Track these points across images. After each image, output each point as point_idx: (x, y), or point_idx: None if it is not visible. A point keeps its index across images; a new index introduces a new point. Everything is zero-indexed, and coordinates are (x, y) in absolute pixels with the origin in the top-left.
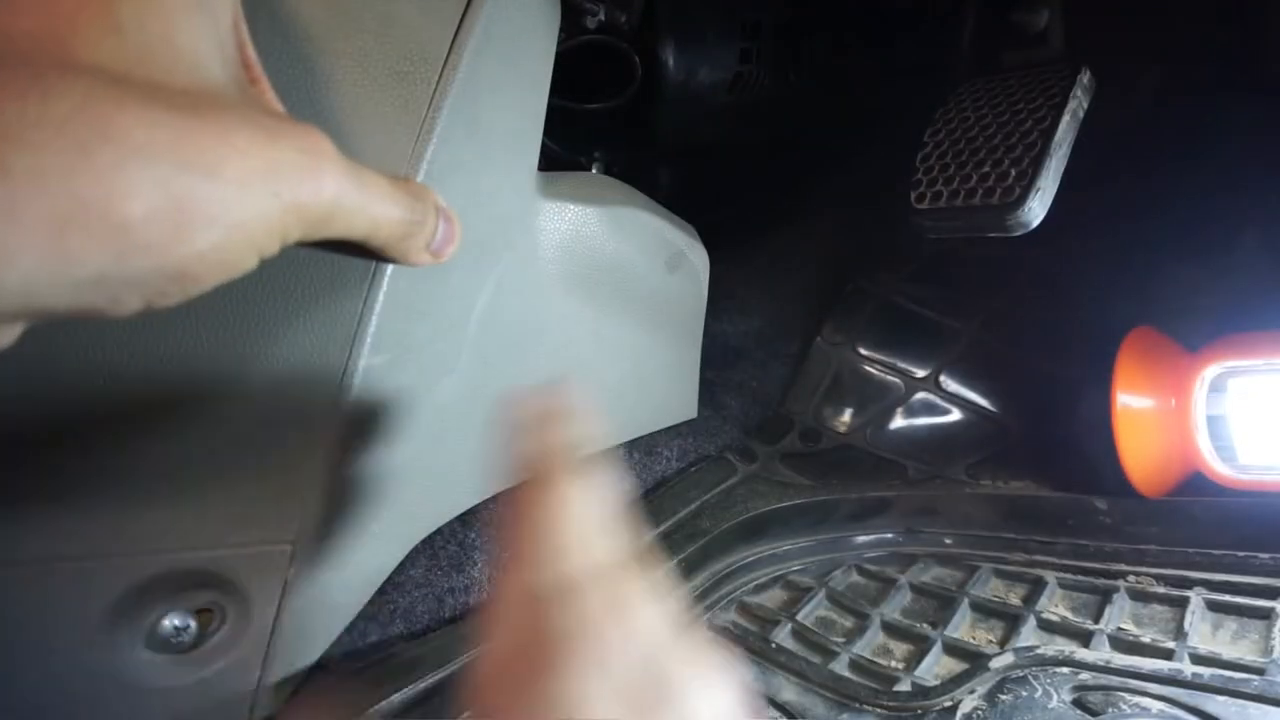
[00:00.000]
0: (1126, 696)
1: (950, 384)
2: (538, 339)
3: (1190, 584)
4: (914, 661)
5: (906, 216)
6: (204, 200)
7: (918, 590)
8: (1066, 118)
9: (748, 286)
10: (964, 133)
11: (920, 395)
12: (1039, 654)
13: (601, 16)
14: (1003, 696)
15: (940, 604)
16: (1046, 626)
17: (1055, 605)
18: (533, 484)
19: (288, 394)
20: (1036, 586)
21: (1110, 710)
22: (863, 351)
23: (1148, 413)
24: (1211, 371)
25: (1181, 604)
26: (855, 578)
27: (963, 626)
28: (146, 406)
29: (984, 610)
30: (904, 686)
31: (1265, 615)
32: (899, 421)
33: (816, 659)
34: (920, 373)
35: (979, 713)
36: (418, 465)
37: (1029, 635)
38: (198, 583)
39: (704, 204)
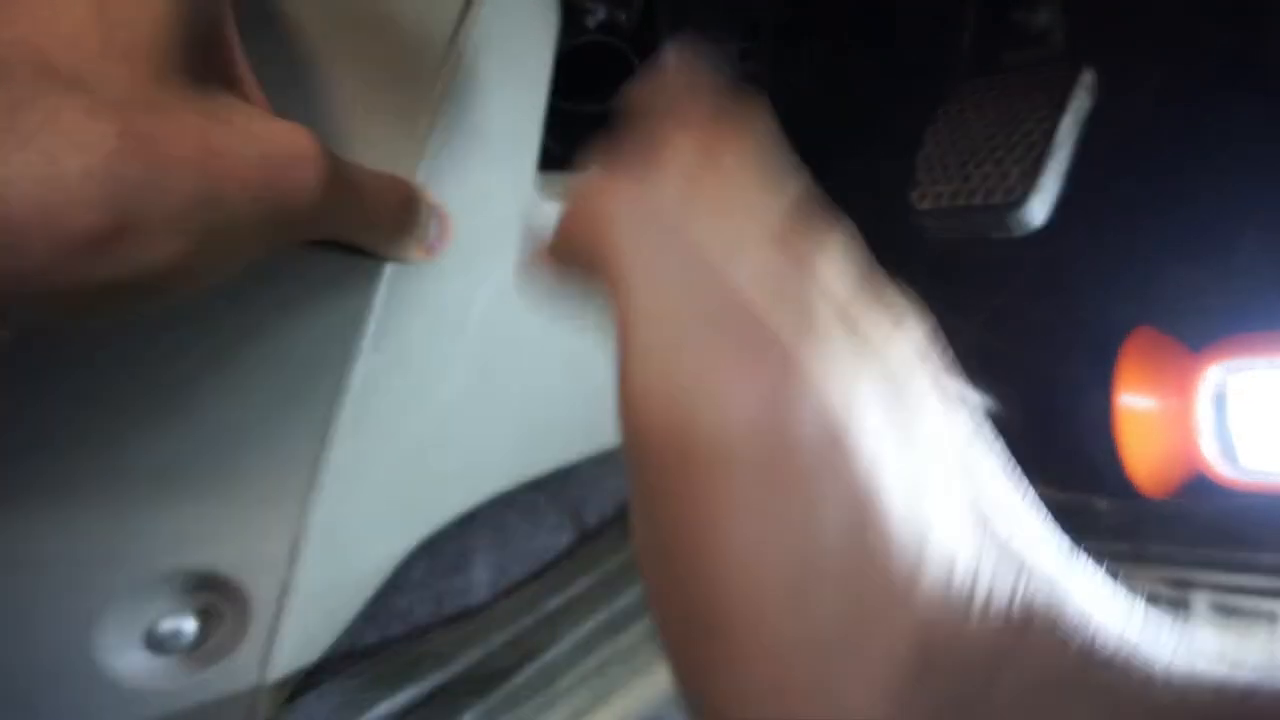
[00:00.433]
0: None
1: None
2: (537, 339)
3: (1193, 586)
4: None
5: (907, 216)
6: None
7: None
8: (1068, 118)
9: None
10: (964, 132)
11: None
12: None
13: (601, 16)
14: None
15: None
16: None
17: None
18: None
19: (287, 393)
20: None
21: None
22: None
23: (1150, 413)
24: (1214, 372)
25: (1184, 606)
26: None
27: None
28: (145, 406)
29: None
30: None
31: (1269, 617)
32: None
33: None
34: None
35: None
36: (418, 465)
37: None
38: (197, 583)
39: None
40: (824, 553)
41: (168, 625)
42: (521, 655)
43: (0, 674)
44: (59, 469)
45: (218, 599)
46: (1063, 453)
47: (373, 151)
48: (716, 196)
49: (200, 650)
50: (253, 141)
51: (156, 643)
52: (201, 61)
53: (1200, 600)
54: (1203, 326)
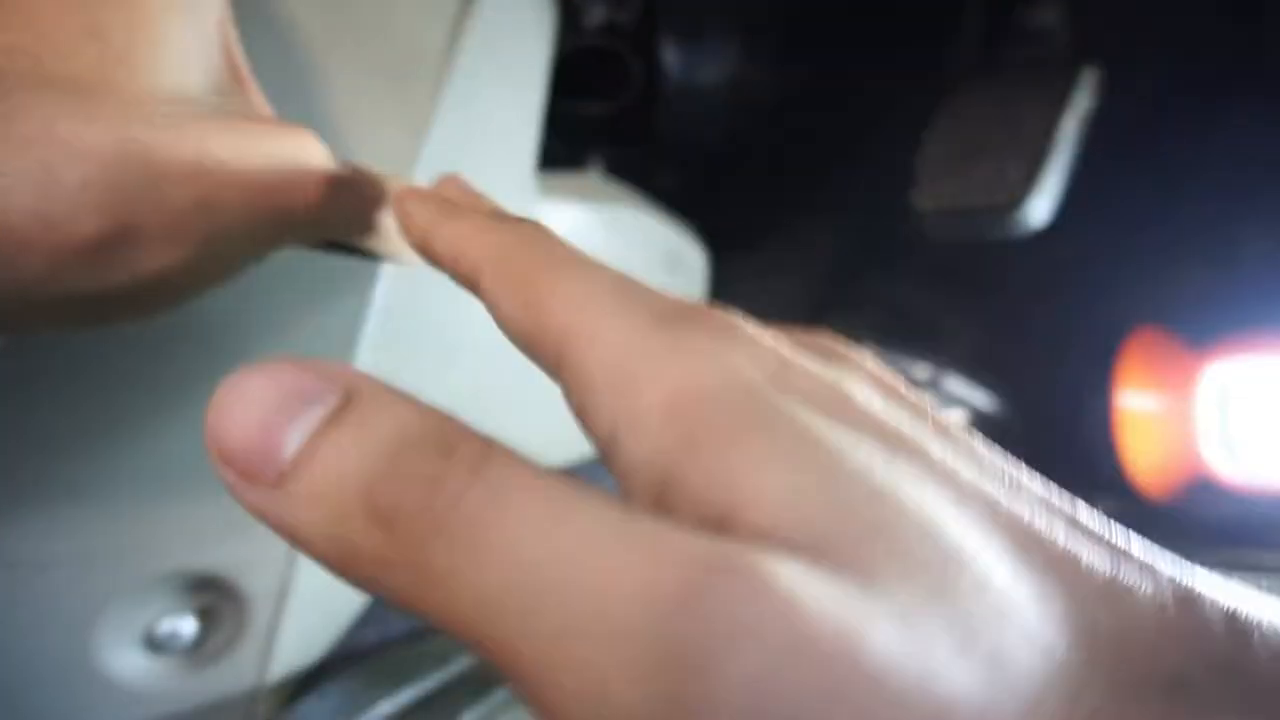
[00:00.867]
0: None
1: (950, 384)
2: None
3: None
4: None
5: (907, 216)
6: (183, 213)
7: None
8: (1069, 117)
9: (748, 286)
10: (965, 132)
11: None
12: None
13: (600, 16)
14: None
15: None
16: None
17: None
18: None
19: None
20: None
21: None
22: None
23: (1151, 413)
24: (1215, 371)
25: None
26: None
27: None
28: (145, 406)
29: None
30: None
31: None
32: None
33: None
34: (920, 373)
35: None
36: None
37: None
38: (196, 584)
39: (704, 204)
40: None
41: (166, 626)
42: None
43: (0, 675)
44: (58, 469)
45: (217, 599)
46: (1063, 453)
47: (370, 151)
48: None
49: (199, 651)
50: (254, 147)
51: (155, 643)
52: (201, 66)
53: None
54: (1204, 326)
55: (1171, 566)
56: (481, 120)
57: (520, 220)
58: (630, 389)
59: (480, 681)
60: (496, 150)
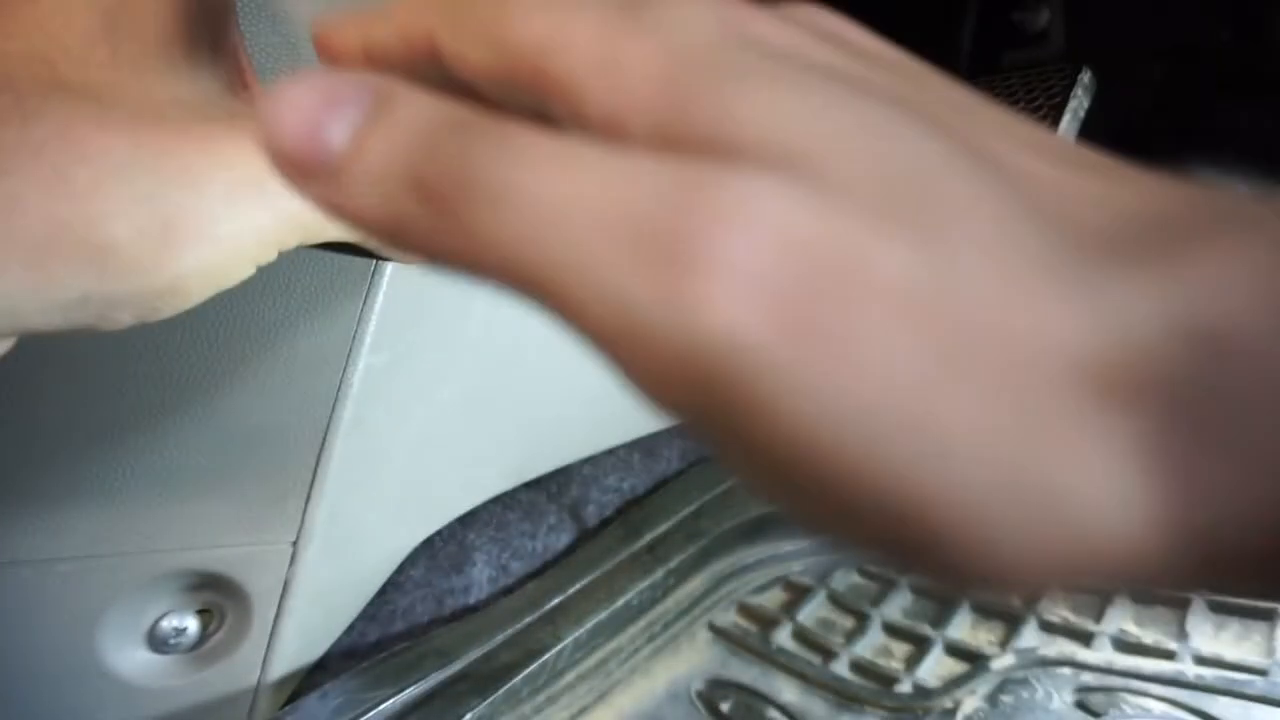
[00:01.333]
0: (1128, 698)
1: None
2: (538, 337)
3: None
4: (915, 662)
5: None
6: (190, 216)
7: (918, 591)
8: (1067, 117)
9: None
10: None
11: None
12: (1040, 655)
13: None
14: (1004, 697)
15: (941, 604)
16: (1048, 627)
17: (1057, 606)
18: None
19: (288, 394)
20: None
21: (1112, 711)
22: None
23: None
24: None
25: (1183, 605)
26: (856, 578)
27: (964, 627)
28: (146, 406)
29: (985, 611)
30: (905, 687)
31: (1268, 616)
32: None
33: (817, 659)
34: None
35: (980, 714)
36: (418, 465)
37: (1030, 636)
38: (198, 583)
39: None
40: None
41: (170, 624)
42: (522, 654)
43: (5, 672)
44: (62, 469)
45: (219, 598)
46: None
47: None
48: None
49: (202, 649)
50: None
51: (158, 641)
52: (210, 70)
53: (1199, 600)
54: None
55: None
56: None
57: None
58: (617, 72)
59: (481, 680)
60: None
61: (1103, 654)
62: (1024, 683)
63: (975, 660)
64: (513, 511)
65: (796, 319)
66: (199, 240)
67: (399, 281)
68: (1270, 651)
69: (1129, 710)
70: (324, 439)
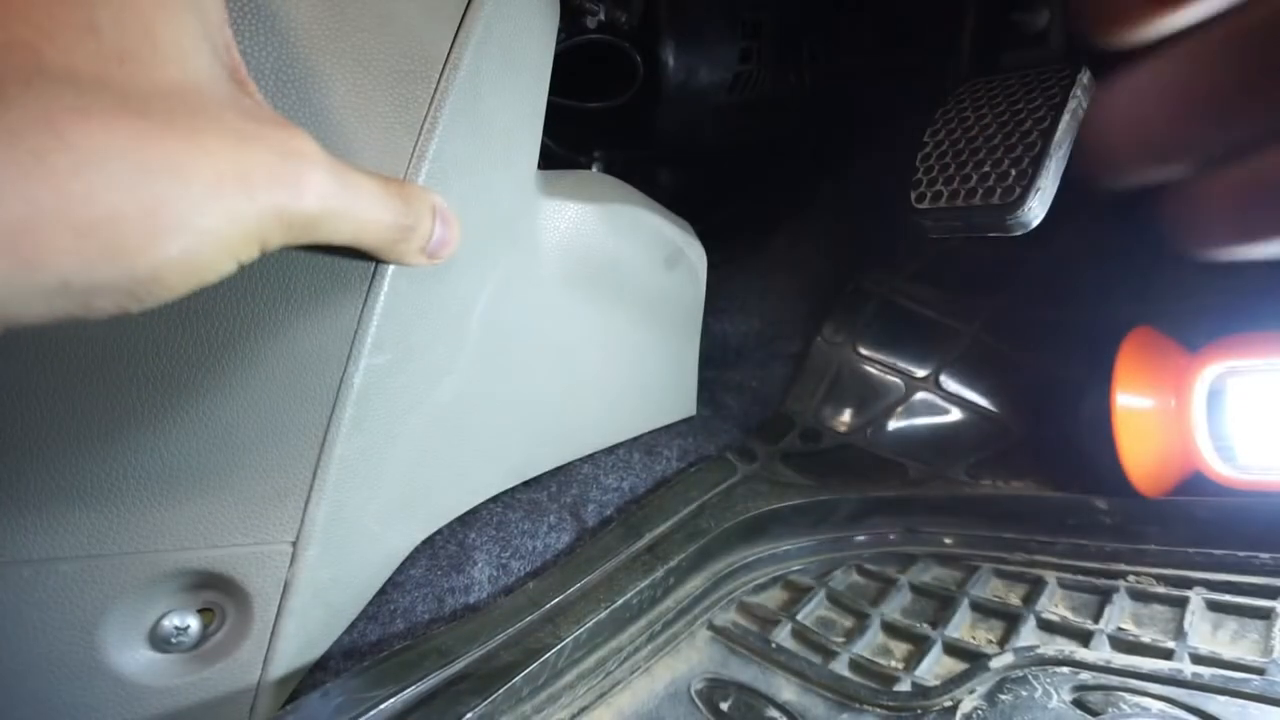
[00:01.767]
0: (1127, 696)
1: (950, 384)
2: (538, 338)
3: (1190, 584)
4: (914, 661)
5: (906, 216)
6: (172, 205)
7: (918, 590)
8: (1066, 117)
9: (748, 286)
10: (964, 132)
11: (920, 395)
12: (1039, 654)
13: (601, 16)
14: (1003, 696)
15: (940, 604)
16: (1046, 626)
17: (1055, 605)
18: None
19: (288, 394)
20: (1036, 586)
21: (1110, 710)
22: (863, 351)
23: (1148, 413)
24: (1211, 371)
25: (1181, 604)
26: (855, 578)
27: (963, 626)
28: (146, 406)
29: (984, 610)
30: (904, 686)
31: (1265, 615)
32: (899, 421)
33: (816, 659)
34: (920, 372)
35: (979, 713)
36: (418, 465)
37: (1029, 635)
38: (199, 582)
39: (704, 204)
40: None
41: (171, 623)
42: (522, 653)
43: (7, 671)
44: (62, 470)
45: (220, 597)
46: (1061, 452)
47: (373, 151)
48: None
49: (203, 648)
50: (247, 143)
51: (160, 640)
52: (199, 63)
53: (1197, 598)
54: (1200, 326)
55: None
56: (485, 119)
57: None
58: None
59: (482, 679)
60: (500, 149)
61: (1101, 653)
62: (1023, 681)
63: (974, 659)
64: (513, 511)
65: None
66: (181, 230)
67: (400, 281)
68: (1268, 650)
69: (1127, 709)
70: (324, 439)
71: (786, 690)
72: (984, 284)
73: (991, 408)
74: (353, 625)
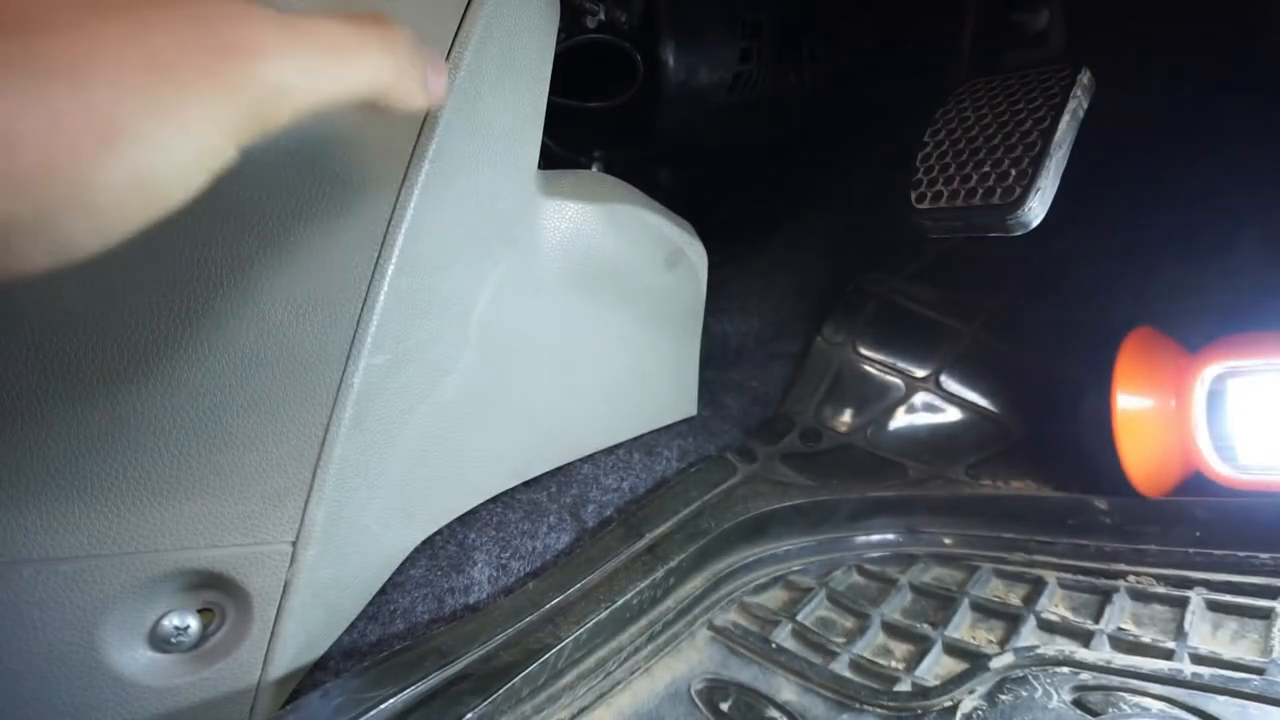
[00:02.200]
0: (1127, 696)
1: (950, 384)
2: (538, 338)
3: (1190, 584)
4: (914, 661)
5: (907, 216)
6: (109, 114)
7: (918, 590)
8: (1066, 117)
9: (748, 286)
10: (964, 132)
11: (920, 395)
12: (1039, 654)
13: (602, 16)
14: (1003, 696)
15: (940, 604)
16: (1046, 626)
17: (1055, 605)
18: None
19: (288, 394)
20: (1036, 586)
21: (1110, 710)
22: (863, 351)
23: (1148, 413)
24: (1211, 371)
25: (1181, 604)
26: (855, 578)
27: (963, 626)
28: (146, 406)
29: (984, 610)
30: (904, 686)
31: (1265, 615)
32: (899, 421)
33: (817, 659)
34: (920, 373)
35: (979, 713)
36: (418, 465)
37: (1029, 635)
38: (199, 582)
39: (704, 204)
40: None
41: (171, 623)
42: (522, 654)
43: (7, 671)
44: (62, 470)
45: (220, 597)
46: (1062, 452)
47: (373, 150)
48: None
49: (203, 648)
50: (195, 22)
51: (160, 640)
52: None
53: (1197, 598)
54: (1200, 326)
55: None
56: (486, 119)
57: None
58: None
59: (482, 680)
60: (500, 149)
61: (1101, 653)
62: (1023, 682)
63: (974, 659)
64: (513, 512)
65: None
66: (133, 141)
67: (399, 281)
68: (1267, 650)
69: (1127, 709)
70: (324, 439)
71: (787, 690)
72: (984, 284)
73: (991, 408)
74: (353, 625)
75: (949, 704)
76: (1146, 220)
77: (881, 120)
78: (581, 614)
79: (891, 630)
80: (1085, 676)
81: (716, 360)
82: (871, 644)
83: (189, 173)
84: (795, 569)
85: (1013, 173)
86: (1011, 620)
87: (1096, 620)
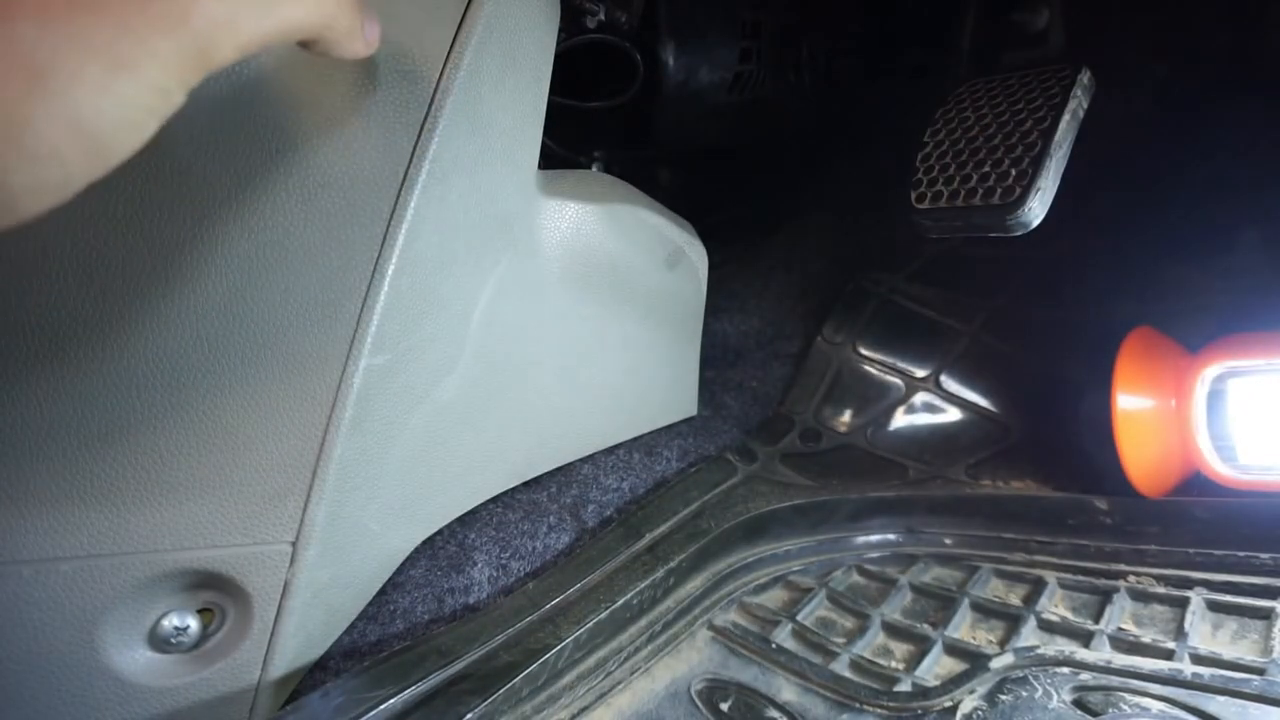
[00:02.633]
0: (1127, 697)
1: (950, 384)
2: (538, 337)
3: (1190, 584)
4: (914, 662)
5: (907, 216)
6: (34, 51)
7: (918, 590)
8: (1066, 118)
9: (748, 286)
10: (964, 133)
11: (920, 395)
12: (1039, 654)
13: (602, 16)
14: (1003, 697)
15: (940, 604)
16: (1047, 627)
17: (1055, 605)
18: None
19: (288, 394)
20: (1037, 586)
21: (1110, 710)
22: (863, 351)
23: (1148, 413)
24: (1211, 371)
25: (1182, 604)
26: (855, 578)
27: (963, 627)
28: (146, 407)
29: (984, 610)
30: (904, 687)
31: (1265, 615)
32: (899, 421)
33: (817, 659)
34: (920, 373)
35: (979, 713)
36: (418, 465)
37: (1029, 635)
38: (199, 582)
39: (704, 204)
40: None
41: (170, 623)
42: (522, 654)
43: (7, 671)
44: (62, 470)
45: (220, 597)
46: (1062, 452)
47: (374, 150)
48: None
49: (203, 648)
50: None
51: (160, 640)
52: None
53: (1198, 599)
54: (1200, 326)
55: None
56: (486, 119)
57: None
58: None
59: (482, 680)
60: (500, 148)
61: (1101, 653)
62: (1023, 682)
63: (974, 660)
64: (513, 512)
65: None
66: (67, 79)
67: (399, 281)
68: (1268, 650)
69: (1127, 709)
70: (323, 439)
71: (787, 690)
72: (984, 284)
73: (991, 408)
74: (353, 625)
75: (949, 704)
76: (1146, 220)
77: (881, 120)
78: (581, 614)
79: (891, 630)
80: (1085, 677)
81: (716, 360)
82: (871, 644)
83: (133, 115)
84: (795, 569)
85: (1013, 173)
86: (1011, 620)
87: (1096, 620)
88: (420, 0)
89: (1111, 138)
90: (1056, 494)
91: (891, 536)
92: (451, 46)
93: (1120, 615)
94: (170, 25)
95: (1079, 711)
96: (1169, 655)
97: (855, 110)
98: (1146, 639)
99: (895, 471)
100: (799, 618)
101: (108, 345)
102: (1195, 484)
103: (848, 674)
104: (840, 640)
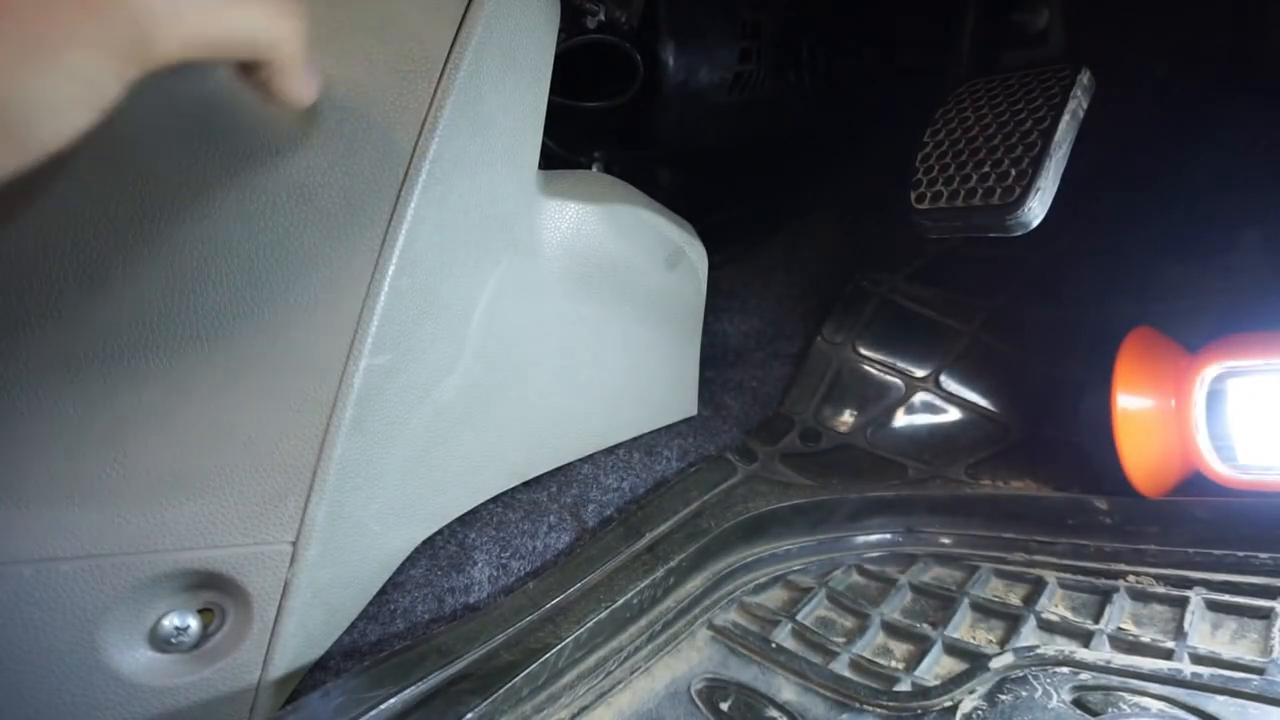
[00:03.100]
0: (1126, 696)
1: (950, 384)
2: (539, 337)
3: (1190, 584)
4: (914, 661)
5: (907, 216)
6: None
7: (918, 590)
8: (1066, 118)
9: (748, 286)
10: (964, 133)
11: (920, 395)
12: (1039, 654)
13: (602, 16)
14: (1003, 696)
15: (940, 604)
16: (1046, 626)
17: (1055, 605)
18: None
19: (288, 394)
20: (1036, 586)
21: (1110, 710)
22: (863, 351)
23: (1147, 413)
24: (1211, 371)
25: (1181, 604)
26: (855, 578)
27: (963, 626)
28: (146, 407)
29: (984, 610)
30: (904, 686)
31: (1265, 615)
32: (899, 421)
33: (816, 659)
34: (920, 372)
35: (979, 713)
36: (419, 465)
37: (1029, 635)
38: (199, 582)
39: (704, 204)
40: None
41: (171, 623)
42: (523, 653)
43: (7, 670)
44: (62, 470)
45: (220, 597)
46: (1062, 452)
47: (374, 151)
48: None
49: (203, 648)
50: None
51: (160, 640)
52: None
53: (1197, 598)
54: (1200, 326)
55: None
56: (486, 119)
57: None
58: None
59: (482, 679)
60: (501, 148)
61: (1101, 653)
62: (1023, 682)
63: (974, 659)
64: (513, 511)
65: None
66: None
67: (400, 281)
68: (1267, 650)
69: (1127, 709)
70: (324, 439)
71: (786, 690)
72: (984, 284)
73: (991, 408)
74: (353, 625)
75: (949, 704)
76: (1146, 220)
77: (881, 120)
78: (581, 614)
79: (891, 630)
80: (1085, 676)
81: (716, 360)
82: (871, 644)
83: (51, 102)
84: (795, 569)
85: (1013, 173)
86: (1011, 620)
87: (1096, 620)
88: (420, 0)
89: (1111, 138)
90: (1056, 494)
91: (891, 536)
92: (452, 46)
93: (1120, 615)
94: (99, 7)
95: (1079, 711)
96: (1168, 655)
97: (855, 110)
98: (1146, 639)
99: (895, 471)
100: (799, 617)
101: (108, 345)
102: (1195, 484)
103: (847, 674)
104: (840, 640)
